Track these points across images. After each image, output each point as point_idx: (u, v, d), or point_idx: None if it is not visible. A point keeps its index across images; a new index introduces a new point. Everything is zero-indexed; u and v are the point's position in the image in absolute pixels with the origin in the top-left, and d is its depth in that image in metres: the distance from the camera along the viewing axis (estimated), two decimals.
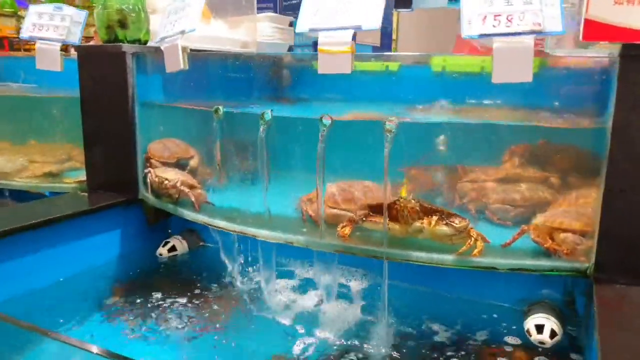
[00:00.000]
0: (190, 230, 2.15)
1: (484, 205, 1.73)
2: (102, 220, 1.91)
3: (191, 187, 1.84)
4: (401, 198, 1.42)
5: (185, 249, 2.07)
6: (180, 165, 2.02)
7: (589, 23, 1.15)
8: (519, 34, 1.21)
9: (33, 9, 2.11)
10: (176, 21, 1.71)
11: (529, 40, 1.21)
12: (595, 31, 1.15)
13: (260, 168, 1.58)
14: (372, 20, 1.30)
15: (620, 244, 1.25)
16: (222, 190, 1.85)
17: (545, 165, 1.83)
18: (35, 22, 2.08)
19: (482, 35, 1.23)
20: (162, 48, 1.72)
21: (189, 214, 1.80)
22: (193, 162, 2.03)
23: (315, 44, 2.93)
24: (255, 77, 2.17)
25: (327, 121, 1.43)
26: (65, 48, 2.01)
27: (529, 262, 1.35)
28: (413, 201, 1.40)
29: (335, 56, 1.33)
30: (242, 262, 1.85)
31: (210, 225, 1.71)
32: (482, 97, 1.89)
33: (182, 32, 1.65)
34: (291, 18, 3.05)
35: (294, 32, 3.06)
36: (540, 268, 1.34)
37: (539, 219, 1.42)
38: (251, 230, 1.60)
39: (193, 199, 1.78)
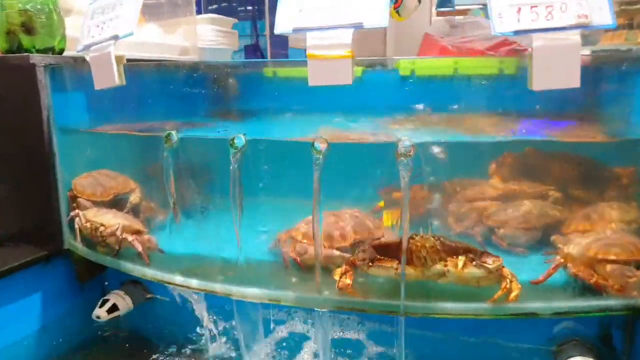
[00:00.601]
0: (134, 281, 1.75)
1: (489, 229, 1.50)
2: (16, 284, 1.47)
3: (136, 232, 1.46)
4: (416, 235, 1.15)
5: (130, 306, 1.67)
6: (118, 202, 1.62)
7: None
8: (563, 28, 0.98)
9: None
10: (105, 24, 1.33)
11: (575, 36, 0.98)
12: None
13: (231, 202, 1.23)
14: (377, 16, 1.02)
15: None
16: (177, 232, 1.48)
17: (544, 178, 1.65)
18: None
19: (518, 32, 0.99)
20: (87, 59, 1.33)
21: (135, 269, 1.41)
22: (134, 198, 1.63)
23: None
24: (203, 90, 1.81)
25: (319, 145, 1.12)
26: None
27: (575, 304, 1.12)
28: (432, 238, 1.13)
29: (331, 63, 1.03)
30: (210, 317, 1.49)
31: (166, 282, 1.34)
32: (458, 103, 1.68)
33: (115, 38, 1.28)
34: (234, 20, 2.71)
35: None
36: (589, 309, 1.12)
37: (573, 248, 1.20)
38: (221, 288, 1.25)
39: (140, 249, 1.40)
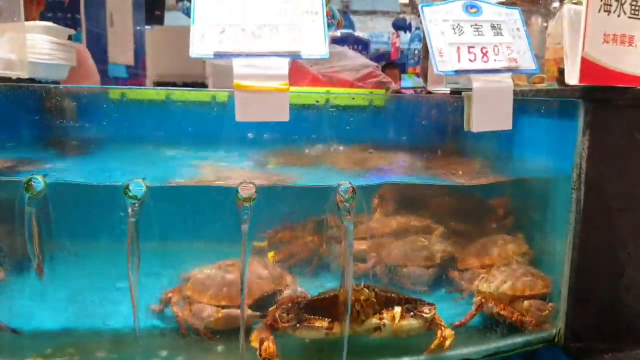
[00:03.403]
0: None
1: (389, 268, 1.46)
2: None
3: None
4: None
5: None
6: None
7: (585, 63, 0.97)
8: (498, 71, 0.97)
9: None
10: None
11: (508, 79, 0.98)
12: (591, 72, 0.98)
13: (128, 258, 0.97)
14: (317, 45, 0.90)
15: (594, 306, 1.11)
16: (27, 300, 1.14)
17: (425, 212, 1.68)
18: None
19: (459, 72, 0.95)
20: None
21: None
22: None
23: None
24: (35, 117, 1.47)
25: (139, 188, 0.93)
26: None
27: (503, 343, 1.12)
28: (366, 290, 1.03)
29: (263, 96, 0.87)
30: None
31: None
32: (331, 135, 1.66)
33: None
34: (71, 30, 2.30)
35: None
36: (514, 347, 1.13)
37: (488, 286, 1.21)
38: None
39: None
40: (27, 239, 0.90)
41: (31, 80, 1.61)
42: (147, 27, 4.55)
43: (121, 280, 1.02)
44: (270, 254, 1.50)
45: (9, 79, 1.46)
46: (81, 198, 1.08)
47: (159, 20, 5.20)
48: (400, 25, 7.19)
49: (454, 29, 0.97)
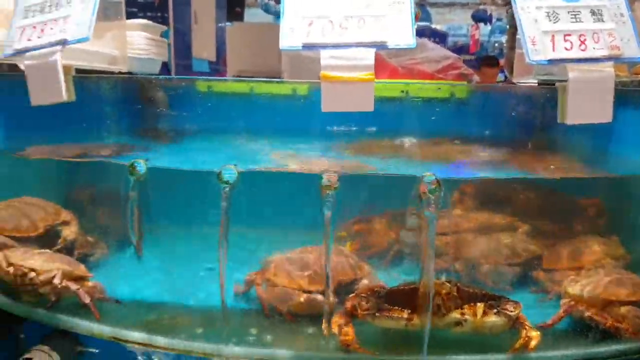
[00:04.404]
0: (62, 332, 1.44)
1: (470, 265, 1.42)
2: None
3: (78, 278, 1.19)
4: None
5: None
6: (50, 237, 1.32)
7: None
8: (597, 59, 0.92)
9: None
10: (46, 25, 1.07)
11: (609, 68, 0.92)
12: None
13: (220, 239, 1.03)
14: (403, 34, 0.89)
15: None
16: (125, 275, 1.24)
17: (509, 209, 1.61)
18: None
19: (552, 61, 0.91)
20: (22, 66, 1.06)
21: (83, 326, 1.14)
22: (69, 231, 1.35)
23: None
24: (137, 105, 1.58)
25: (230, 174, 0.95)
26: None
27: (593, 350, 1.06)
28: (448, 284, 1.02)
29: (349, 86, 0.88)
30: None
31: (131, 342, 1.08)
32: (412, 127, 1.62)
33: (63, 43, 1.03)
34: (163, 27, 2.44)
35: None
36: (607, 356, 1.06)
37: (579, 289, 1.15)
38: (210, 349, 1.03)
39: (88, 301, 1.14)
40: (128, 218, 0.97)
41: (129, 74, 1.74)
42: (227, 23, 4.71)
43: (210, 261, 1.09)
44: (347, 244, 1.52)
45: (111, 73, 1.58)
46: (176, 182, 1.15)
47: (239, 17, 5.35)
48: (480, 17, 6.92)
49: (548, 15, 0.93)
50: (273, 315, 1.16)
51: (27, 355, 1.34)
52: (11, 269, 1.19)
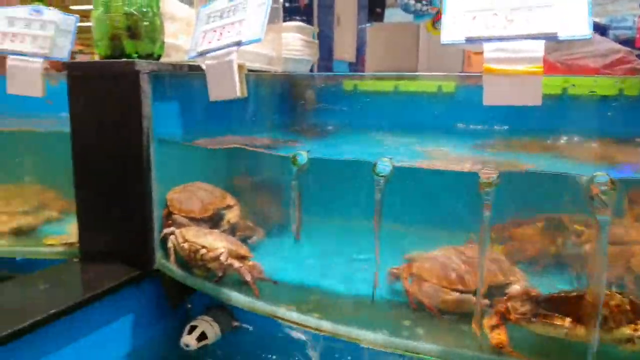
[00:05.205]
0: (221, 307, 1.61)
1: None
2: (108, 307, 1.35)
3: (241, 258, 1.31)
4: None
5: (218, 334, 1.52)
6: (216, 219, 1.48)
7: None
8: None
9: (1, 12, 1.56)
10: (224, 28, 1.20)
11: None
12: None
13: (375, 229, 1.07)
14: (577, 24, 0.84)
15: None
16: (281, 258, 1.34)
17: None
18: (5, 31, 1.53)
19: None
20: (203, 66, 1.21)
21: (243, 300, 1.26)
22: (232, 215, 1.49)
23: None
24: (293, 104, 1.68)
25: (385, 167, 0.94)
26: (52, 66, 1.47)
27: None
28: (619, 296, 0.94)
29: (515, 79, 0.86)
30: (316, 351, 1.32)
31: (286, 320, 1.17)
32: (572, 126, 1.49)
33: (238, 44, 1.15)
34: (315, 29, 2.57)
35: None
36: None
37: None
38: (356, 333, 1.08)
39: (249, 279, 1.25)
40: (291, 205, 1.05)
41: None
42: (367, 24, 4.78)
43: (359, 251, 1.13)
44: (501, 247, 1.47)
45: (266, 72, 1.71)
46: (331, 173, 1.21)
47: (380, 18, 5.40)
48: None
49: None
50: (420, 309, 1.16)
51: (193, 323, 1.52)
52: (186, 245, 1.36)
